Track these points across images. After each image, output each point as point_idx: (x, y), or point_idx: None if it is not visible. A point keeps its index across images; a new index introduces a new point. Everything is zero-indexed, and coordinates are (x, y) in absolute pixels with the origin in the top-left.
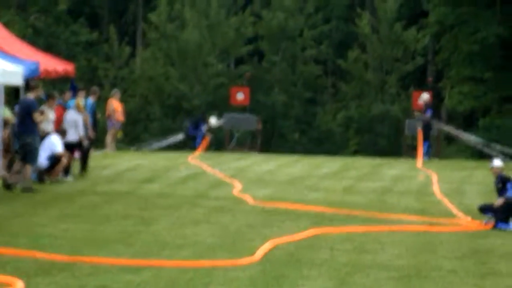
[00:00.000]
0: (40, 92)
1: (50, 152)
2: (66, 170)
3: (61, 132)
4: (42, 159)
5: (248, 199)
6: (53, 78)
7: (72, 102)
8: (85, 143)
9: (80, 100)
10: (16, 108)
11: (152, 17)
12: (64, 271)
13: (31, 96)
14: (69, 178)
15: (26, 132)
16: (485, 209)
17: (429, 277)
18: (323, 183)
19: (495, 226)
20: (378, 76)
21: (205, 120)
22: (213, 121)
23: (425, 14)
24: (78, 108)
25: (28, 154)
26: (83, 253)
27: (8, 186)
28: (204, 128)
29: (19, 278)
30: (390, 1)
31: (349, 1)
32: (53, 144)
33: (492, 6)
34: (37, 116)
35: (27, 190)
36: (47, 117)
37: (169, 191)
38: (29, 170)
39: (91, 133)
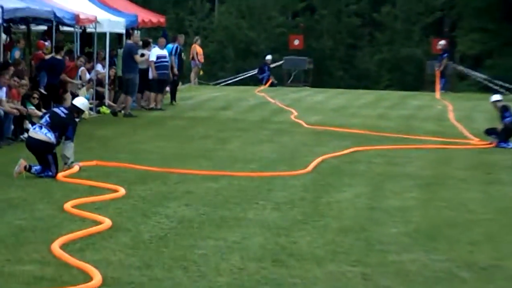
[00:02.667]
0: (137, 39)
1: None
2: None
3: None
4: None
5: (303, 123)
6: (148, 28)
7: (167, 47)
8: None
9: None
10: (120, 51)
11: None
12: (157, 180)
13: (130, 41)
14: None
15: (128, 71)
16: (490, 132)
17: (445, 184)
18: (362, 111)
19: (497, 145)
20: (405, 26)
21: (266, 63)
22: (268, 57)
23: None
24: None
25: (129, 88)
26: (172, 165)
27: (114, 113)
28: (266, 68)
29: (121, 185)
30: None
31: None
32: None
33: None
34: (138, 58)
35: (128, 115)
36: (146, 58)
37: (240, 117)
38: (130, 100)
39: (175, 71)
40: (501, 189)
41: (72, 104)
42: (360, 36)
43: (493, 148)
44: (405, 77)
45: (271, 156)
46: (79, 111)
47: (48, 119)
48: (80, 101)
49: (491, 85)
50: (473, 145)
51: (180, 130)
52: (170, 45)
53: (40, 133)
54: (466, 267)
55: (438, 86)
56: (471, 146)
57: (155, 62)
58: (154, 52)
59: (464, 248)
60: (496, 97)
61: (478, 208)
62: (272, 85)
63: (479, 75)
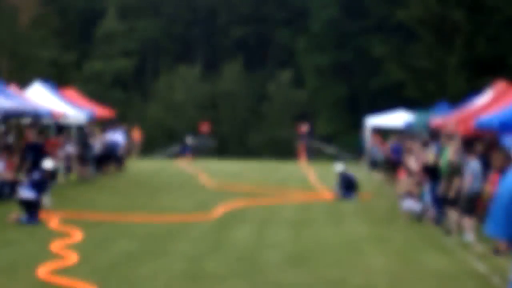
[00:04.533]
0: (92, 129)
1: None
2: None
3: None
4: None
5: (211, 183)
6: (102, 119)
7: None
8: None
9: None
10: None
11: (157, 84)
12: (108, 225)
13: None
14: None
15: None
16: (338, 187)
17: (308, 224)
18: (250, 175)
19: (342, 197)
20: (280, 115)
21: (185, 143)
22: (187, 138)
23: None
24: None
25: (88, 159)
26: (120, 212)
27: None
28: (187, 147)
29: (78, 228)
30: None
31: None
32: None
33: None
34: (92, 140)
35: (84, 181)
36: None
37: (168, 180)
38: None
39: (123, 149)
40: (345, 227)
41: (43, 168)
42: (249, 123)
43: (339, 199)
44: (279, 151)
45: (189, 207)
46: (50, 172)
47: (30, 182)
48: (47, 164)
49: (338, 155)
50: (326, 197)
51: (126, 190)
52: (119, 131)
53: (26, 192)
54: (323, 280)
55: (303, 156)
56: (324, 197)
57: (110, 143)
58: (107, 137)
59: (322, 268)
60: (338, 166)
61: (330, 241)
62: (189, 158)
63: (331, 149)
